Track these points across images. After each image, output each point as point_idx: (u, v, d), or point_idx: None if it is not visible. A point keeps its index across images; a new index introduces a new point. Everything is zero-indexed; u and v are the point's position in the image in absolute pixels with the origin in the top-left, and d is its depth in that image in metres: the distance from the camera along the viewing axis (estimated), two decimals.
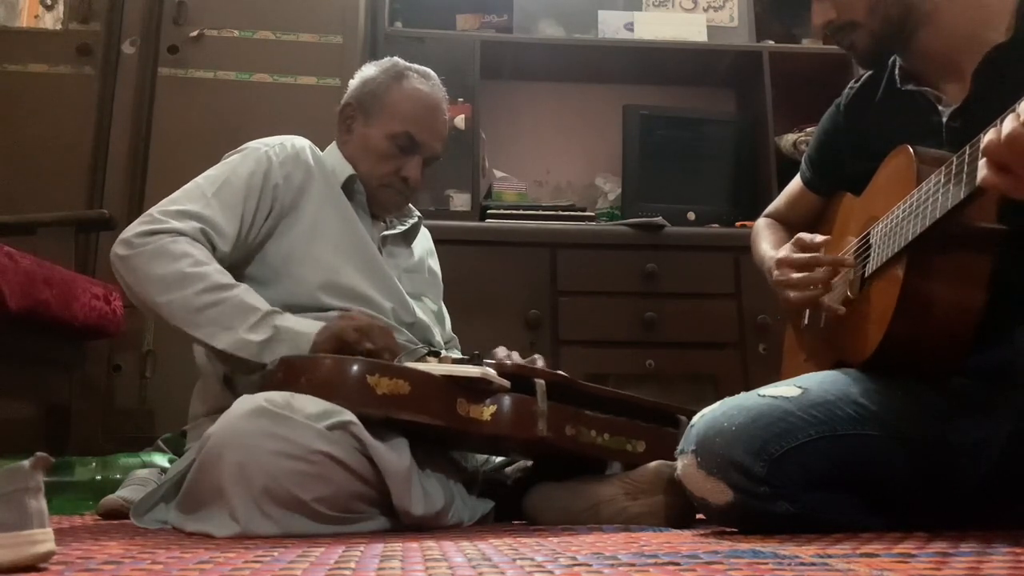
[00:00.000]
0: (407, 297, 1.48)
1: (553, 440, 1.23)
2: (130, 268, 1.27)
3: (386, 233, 1.55)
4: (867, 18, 1.16)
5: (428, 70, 1.56)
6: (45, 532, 0.70)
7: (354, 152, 1.52)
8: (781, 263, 1.24)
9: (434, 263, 1.71)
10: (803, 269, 1.21)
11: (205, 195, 1.35)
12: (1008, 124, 0.81)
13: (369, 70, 1.56)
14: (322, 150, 1.54)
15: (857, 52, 1.21)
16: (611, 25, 2.99)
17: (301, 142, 1.48)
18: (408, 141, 1.49)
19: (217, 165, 1.43)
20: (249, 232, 1.38)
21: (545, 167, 3.07)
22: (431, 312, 1.56)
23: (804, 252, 1.22)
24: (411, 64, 1.56)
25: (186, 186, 1.39)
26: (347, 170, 1.49)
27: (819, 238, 1.21)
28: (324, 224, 1.42)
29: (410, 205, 1.63)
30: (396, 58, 1.57)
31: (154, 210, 1.33)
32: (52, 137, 2.49)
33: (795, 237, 1.25)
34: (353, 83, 1.57)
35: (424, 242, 1.68)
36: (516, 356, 1.42)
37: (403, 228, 1.58)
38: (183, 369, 1.71)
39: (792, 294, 1.22)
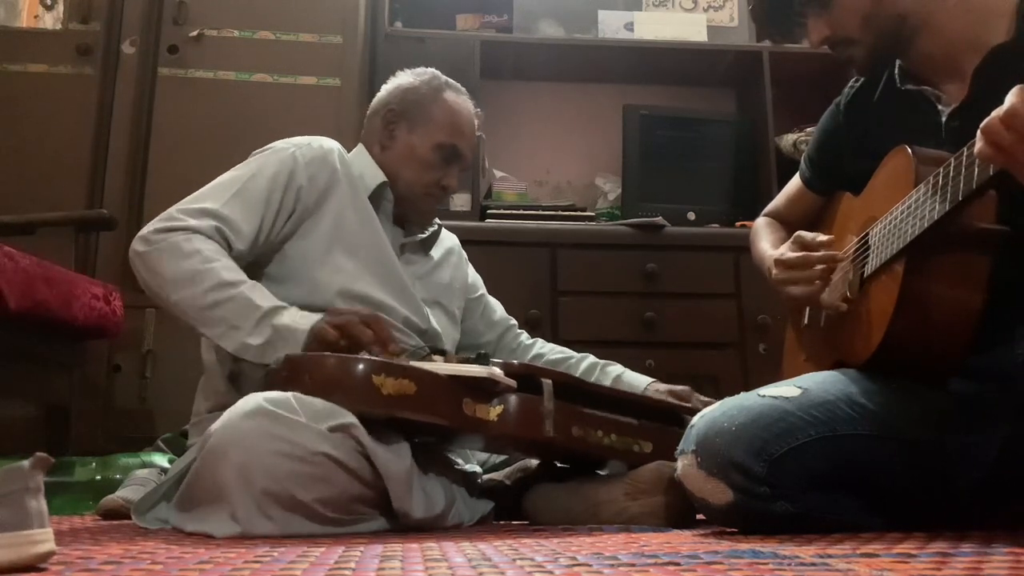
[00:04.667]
0: (421, 304, 1.48)
1: (560, 441, 1.23)
2: (145, 265, 1.29)
3: (405, 240, 1.55)
4: (862, 33, 1.16)
5: (457, 84, 1.60)
6: (45, 532, 0.70)
7: (396, 159, 1.53)
8: (779, 262, 1.24)
9: (461, 265, 1.70)
10: (800, 267, 1.21)
11: (227, 193, 1.37)
12: (1009, 99, 0.83)
13: (406, 79, 1.58)
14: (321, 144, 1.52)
15: (856, 65, 1.22)
16: (611, 25, 2.99)
17: (330, 144, 1.49)
18: (453, 152, 1.53)
19: (244, 163, 1.44)
20: (270, 232, 1.38)
21: (545, 167, 3.07)
22: (446, 319, 1.57)
23: (803, 250, 1.22)
24: (445, 76, 1.59)
25: (212, 183, 1.40)
26: (378, 177, 1.50)
27: (821, 237, 1.21)
28: (344, 229, 1.43)
29: None
30: (432, 69, 1.60)
31: (175, 208, 1.34)
32: (52, 137, 2.49)
33: (795, 235, 1.25)
34: (389, 89, 1.59)
35: (447, 246, 1.68)
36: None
37: (423, 236, 1.59)
38: (183, 369, 1.71)
39: (791, 291, 1.22)
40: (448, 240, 1.70)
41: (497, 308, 1.75)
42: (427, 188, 1.52)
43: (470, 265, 1.74)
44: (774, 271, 1.25)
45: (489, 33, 2.90)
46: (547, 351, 1.68)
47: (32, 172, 2.45)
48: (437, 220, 1.64)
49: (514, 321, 1.75)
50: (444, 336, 1.53)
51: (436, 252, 1.63)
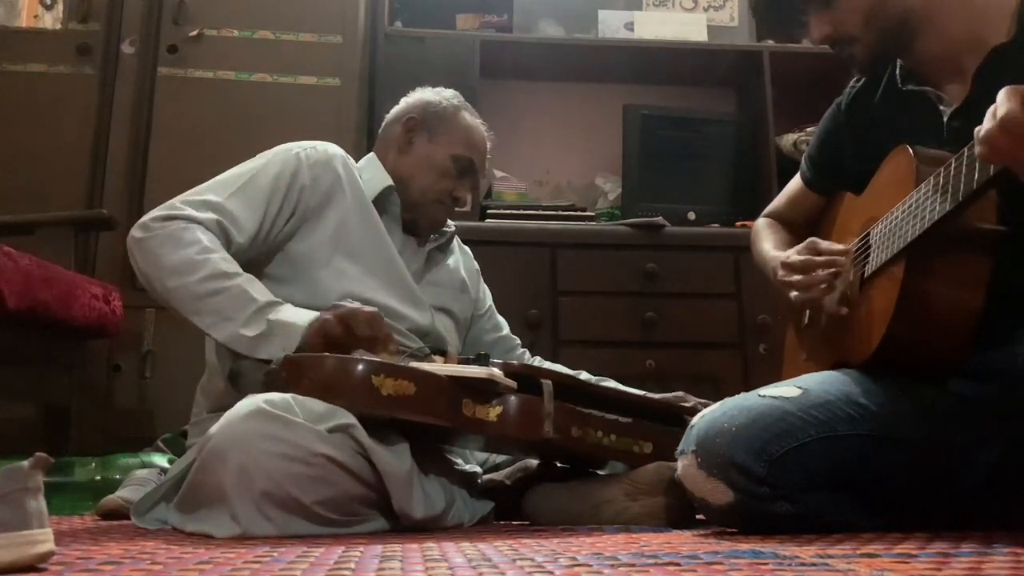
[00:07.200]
0: (427, 307, 1.49)
1: (559, 441, 1.23)
2: (143, 251, 1.29)
3: (411, 243, 1.56)
4: (864, 31, 1.17)
5: (473, 109, 1.64)
6: (45, 532, 0.70)
7: (413, 164, 1.56)
8: (785, 265, 1.25)
9: (474, 277, 1.71)
10: (804, 271, 1.21)
11: (230, 187, 1.38)
12: (1004, 104, 0.83)
13: (428, 94, 1.63)
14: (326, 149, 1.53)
15: (856, 63, 1.22)
16: (611, 25, 2.99)
17: (334, 149, 1.51)
18: (468, 165, 1.57)
19: (250, 160, 1.45)
20: (271, 230, 1.39)
21: (545, 167, 3.07)
22: (452, 324, 1.58)
23: (810, 255, 1.22)
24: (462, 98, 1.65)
25: (216, 177, 1.41)
26: (385, 181, 1.52)
27: (836, 246, 1.22)
28: (347, 235, 1.43)
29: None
30: (452, 90, 1.65)
31: (177, 198, 1.35)
32: (52, 137, 2.49)
33: (808, 241, 1.25)
34: (409, 102, 1.63)
35: (461, 256, 1.69)
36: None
37: (436, 244, 1.60)
38: (183, 369, 1.71)
39: (794, 294, 1.23)
40: (463, 252, 1.72)
41: (503, 327, 1.76)
42: (439, 195, 1.55)
43: (483, 283, 1.75)
44: (779, 272, 1.26)
45: (489, 33, 2.90)
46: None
47: (32, 172, 2.45)
48: (452, 224, 1.65)
49: (518, 341, 1.77)
50: (448, 340, 1.53)
51: (449, 260, 1.64)
